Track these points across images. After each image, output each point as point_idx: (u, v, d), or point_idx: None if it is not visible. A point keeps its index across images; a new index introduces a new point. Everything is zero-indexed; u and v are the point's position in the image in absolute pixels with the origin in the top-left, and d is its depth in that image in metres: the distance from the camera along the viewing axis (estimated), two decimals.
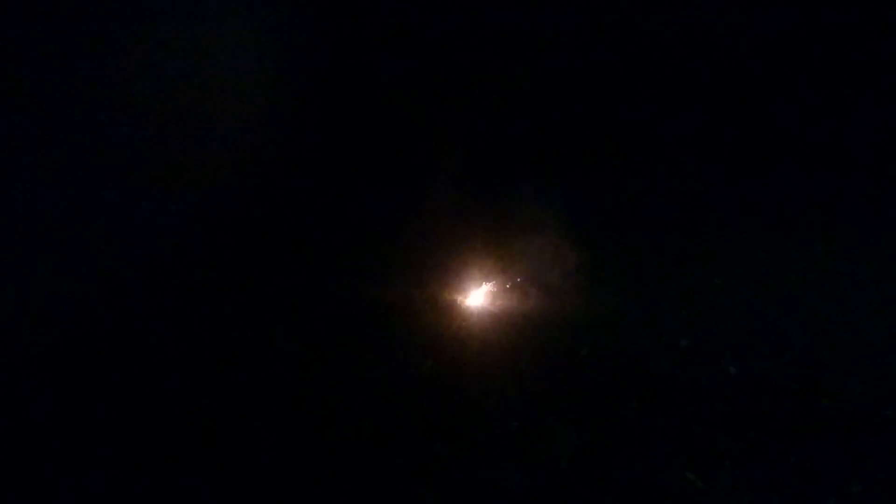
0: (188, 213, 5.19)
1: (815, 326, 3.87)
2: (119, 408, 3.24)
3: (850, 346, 3.61)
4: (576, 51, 5.83)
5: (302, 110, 5.91)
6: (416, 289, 4.68)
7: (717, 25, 5.82)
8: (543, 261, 4.86)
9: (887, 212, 4.95)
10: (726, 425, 2.95)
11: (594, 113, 6.02)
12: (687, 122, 6.00)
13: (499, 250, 5.00)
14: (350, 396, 3.33)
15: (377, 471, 2.78)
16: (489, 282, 4.77)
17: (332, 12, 5.91)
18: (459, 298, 4.64)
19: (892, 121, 5.62)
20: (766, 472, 2.65)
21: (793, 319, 3.98)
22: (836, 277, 4.37)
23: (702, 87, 6.09)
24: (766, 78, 6.09)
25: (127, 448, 2.94)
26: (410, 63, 6.06)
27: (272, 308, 4.36)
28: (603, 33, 5.70)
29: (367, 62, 6.08)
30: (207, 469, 2.82)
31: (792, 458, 2.72)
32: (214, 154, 5.48)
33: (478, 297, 4.65)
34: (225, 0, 5.50)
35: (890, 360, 3.44)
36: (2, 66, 5.05)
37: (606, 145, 5.88)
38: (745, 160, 5.65)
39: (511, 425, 3.05)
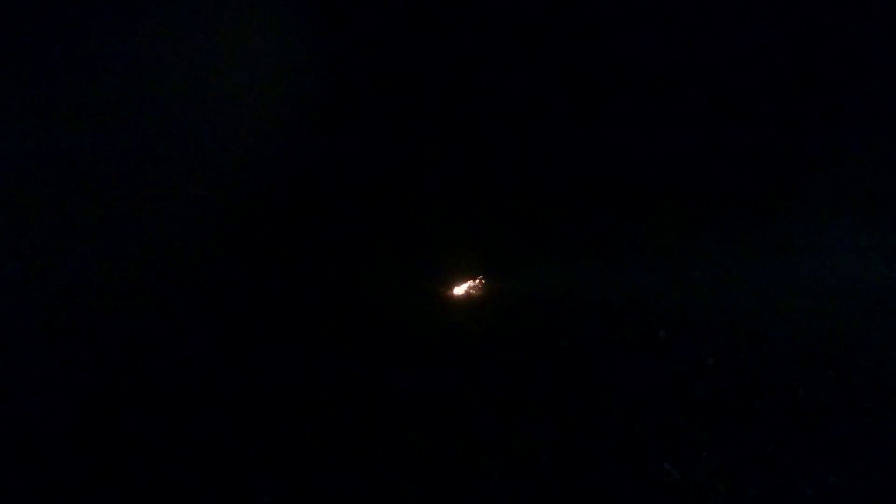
0: (191, 210, 5.16)
1: (794, 318, 3.89)
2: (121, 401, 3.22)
3: (828, 338, 3.64)
4: None
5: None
6: (396, 281, 4.65)
7: None
8: (523, 253, 4.84)
9: (868, 205, 5.00)
10: (704, 416, 2.95)
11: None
12: (666, 114, 6.03)
13: (478, 243, 4.98)
14: (327, 390, 3.30)
15: (354, 464, 2.76)
16: (469, 274, 4.74)
17: None
18: (439, 291, 4.61)
19: (881, 120, 5.67)
20: (743, 463, 2.66)
21: (771, 311, 4.00)
22: (815, 269, 4.40)
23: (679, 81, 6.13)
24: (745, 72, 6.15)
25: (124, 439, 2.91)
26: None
27: (254, 302, 4.34)
28: None
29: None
30: (193, 460, 2.79)
31: (769, 450, 2.73)
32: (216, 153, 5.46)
33: (457, 289, 4.63)
34: None
35: (868, 352, 3.47)
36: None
37: (588, 137, 5.89)
38: (724, 152, 5.67)
39: (490, 418, 3.03)
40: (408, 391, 3.28)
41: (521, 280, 4.60)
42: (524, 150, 5.89)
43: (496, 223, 5.19)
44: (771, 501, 2.52)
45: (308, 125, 5.79)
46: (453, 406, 3.15)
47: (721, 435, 2.83)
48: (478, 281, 4.68)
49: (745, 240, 4.80)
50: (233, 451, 2.86)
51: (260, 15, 5.79)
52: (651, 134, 5.73)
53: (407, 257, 4.84)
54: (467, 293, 4.59)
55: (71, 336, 3.83)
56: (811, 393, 3.11)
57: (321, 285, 4.63)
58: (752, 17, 6.10)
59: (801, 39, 5.98)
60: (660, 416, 2.98)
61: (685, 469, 2.62)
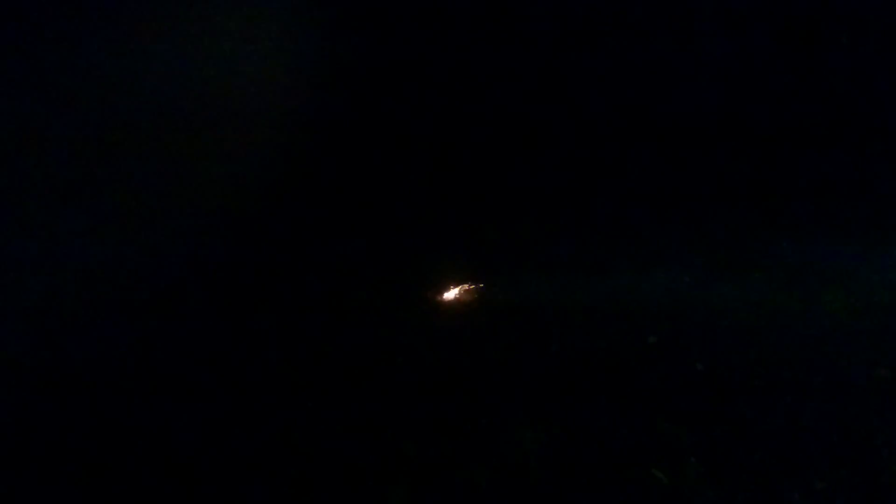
0: (185, 212, 5.13)
1: (781, 324, 3.91)
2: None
3: (815, 344, 3.66)
4: None
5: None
6: (386, 286, 4.64)
7: None
8: (514, 258, 4.85)
9: (855, 211, 5.04)
10: (692, 422, 2.96)
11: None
12: (658, 125, 6.05)
13: (469, 248, 4.98)
14: (317, 394, 3.28)
15: (344, 469, 2.74)
16: (459, 280, 4.74)
17: None
18: (429, 296, 4.60)
19: (864, 127, 5.69)
20: (731, 468, 2.67)
21: (759, 317, 4.02)
22: (801, 275, 4.43)
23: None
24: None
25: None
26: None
27: (250, 306, 4.33)
28: None
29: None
30: (182, 464, 2.77)
31: (757, 455, 2.74)
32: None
33: (447, 294, 4.62)
34: None
35: (854, 357, 3.49)
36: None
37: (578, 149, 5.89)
38: (713, 159, 5.70)
39: (479, 423, 3.03)
40: (395, 396, 3.27)
41: (512, 285, 4.61)
42: (516, 157, 5.90)
43: (487, 229, 5.19)
44: None
45: (302, 130, 5.78)
46: (442, 411, 3.14)
47: (709, 440, 2.83)
48: (468, 286, 4.68)
49: (735, 246, 4.84)
50: (220, 457, 2.83)
51: (258, 18, 5.77)
52: (641, 141, 5.75)
53: (398, 262, 4.84)
54: (457, 298, 4.59)
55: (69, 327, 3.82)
56: (799, 398, 3.12)
57: (312, 289, 4.62)
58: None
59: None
60: (648, 421, 2.98)
61: (673, 474, 2.62)
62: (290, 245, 5.03)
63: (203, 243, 4.92)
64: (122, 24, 5.28)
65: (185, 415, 3.14)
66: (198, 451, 2.87)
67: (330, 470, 2.75)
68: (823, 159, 5.39)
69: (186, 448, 2.90)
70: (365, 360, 3.65)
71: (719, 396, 3.18)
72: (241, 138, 5.54)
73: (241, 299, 4.38)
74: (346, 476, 2.71)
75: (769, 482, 2.59)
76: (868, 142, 5.49)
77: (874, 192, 5.28)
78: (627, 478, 2.63)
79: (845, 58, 5.70)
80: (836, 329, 3.79)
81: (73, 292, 4.25)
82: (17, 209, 4.82)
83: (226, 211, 5.16)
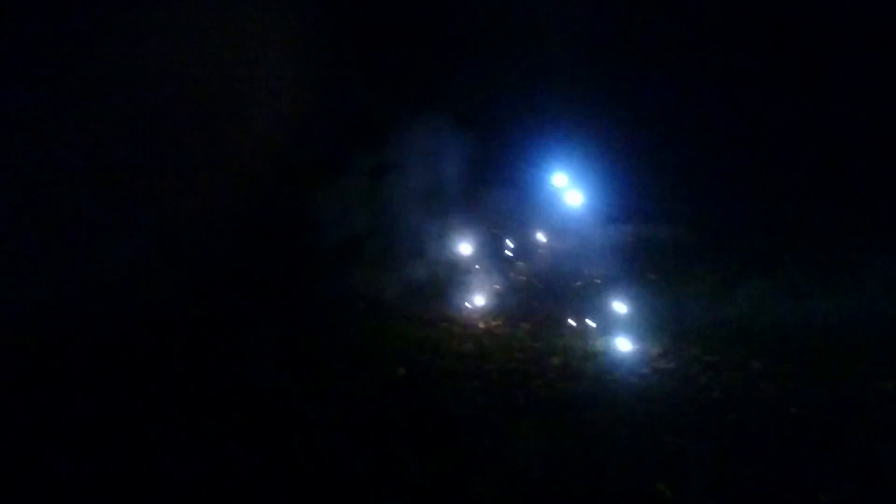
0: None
1: (782, 335, 3.92)
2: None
3: (817, 356, 3.66)
4: None
5: None
6: (389, 297, 4.66)
7: None
8: (514, 270, 4.88)
9: (854, 222, 5.05)
10: (696, 435, 2.95)
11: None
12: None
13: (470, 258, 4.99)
14: (320, 405, 3.28)
15: (345, 479, 2.73)
16: (462, 291, 4.74)
17: None
18: (432, 307, 4.61)
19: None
20: (734, 482, 2.66)
21: (760, 328, 4.03)
22: (803, 286, 4.43)
23: None
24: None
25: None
26: None
27: (248, 308, 4.32)
28: None
29: None
30: (178, 472, 2.75)
31: (760, 469, 2.73)
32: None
33: (450, 305, 4.63)
34: None
35: (857, 369, 3.49)
36: None
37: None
38: (711, 168, 5.70)
39: (482, 434, 3.02)
40: (398, 407, 3.27)
41: (513, 296, 4.62)
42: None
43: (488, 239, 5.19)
44: None
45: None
46: (444, 422, 3.13)
47: (713, 453, 2.82)
48: (470, 298, 4.68)
49: (734, 256, 4.85)
50: (216, 465, 2.82)
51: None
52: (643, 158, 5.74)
53: (400, 274, 4.84)
54: (459, 310, 4.59)
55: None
56: (802, 411, 3.12)
57: (313, 294, 4.64)
58: None
59: None
60: (651, 434, 2.97)
61: (677, 488, 2.61)
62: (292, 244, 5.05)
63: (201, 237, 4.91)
64: None
65: (183, 420, 3.13)
66: (196, 460, 2.85)
67: (331, 479, 2.74)
68: None
69: (185, 453, 2.88)
70: (366, 371, 3.65)
71: (723, 409, 3.18)
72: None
73: (241, 307, 4.39)
74: (346, 485, 2.70)
75: (773, 495, 2.59)
76: None
77: None
78: (631, 491, 2.62)
79: None
80: (841, 341, 3.80)
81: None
82: None
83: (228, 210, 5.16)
